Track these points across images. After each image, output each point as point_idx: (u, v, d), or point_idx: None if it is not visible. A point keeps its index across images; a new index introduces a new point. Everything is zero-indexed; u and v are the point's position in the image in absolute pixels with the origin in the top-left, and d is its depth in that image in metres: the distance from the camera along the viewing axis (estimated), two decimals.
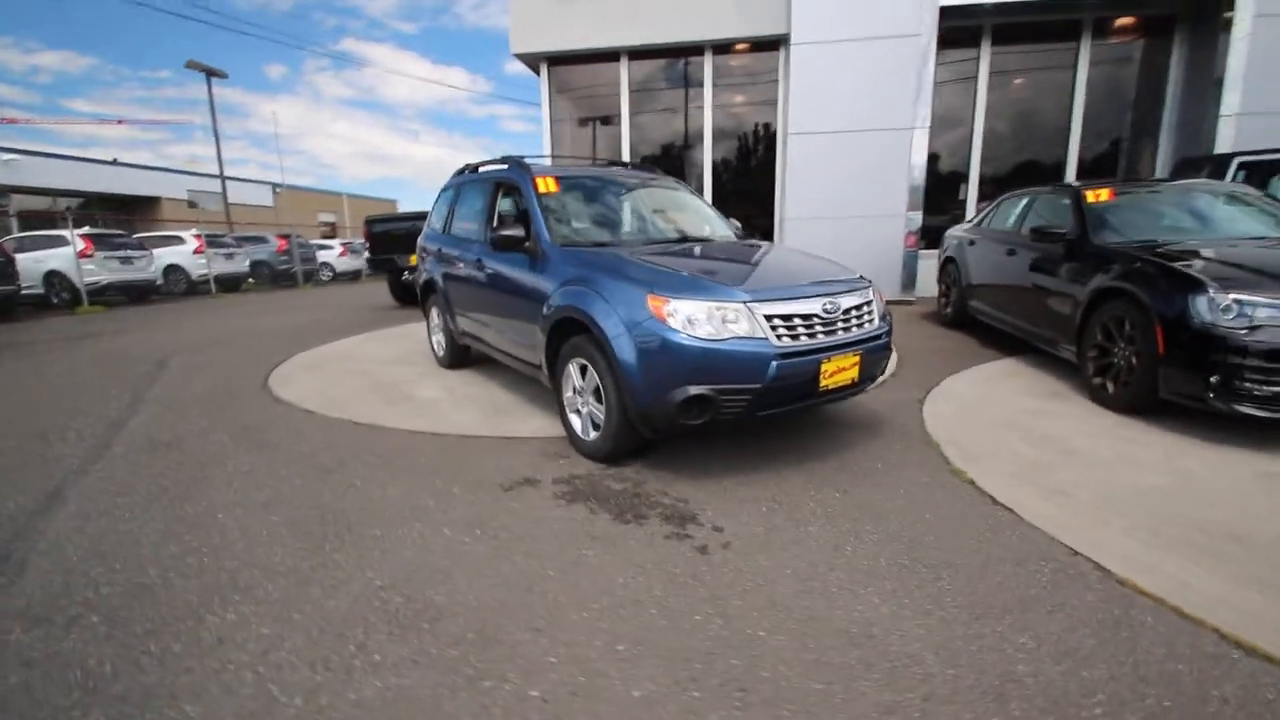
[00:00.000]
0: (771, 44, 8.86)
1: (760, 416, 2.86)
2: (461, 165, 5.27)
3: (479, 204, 4.49)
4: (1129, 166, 8.71)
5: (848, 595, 2.01)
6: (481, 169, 4.90)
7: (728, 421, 2.84)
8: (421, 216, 9.26)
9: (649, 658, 1.72)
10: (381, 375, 5.15)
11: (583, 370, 3.21)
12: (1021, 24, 8.33)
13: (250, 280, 15.83)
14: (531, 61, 9.50)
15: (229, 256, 14.60)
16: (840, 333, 2.96)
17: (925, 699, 1.56)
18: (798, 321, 2.84)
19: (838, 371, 2.92)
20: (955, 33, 8.13)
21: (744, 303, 2.75)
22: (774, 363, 2.70)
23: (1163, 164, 8.38)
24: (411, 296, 9.90)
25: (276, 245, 16.05)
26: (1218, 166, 6.22)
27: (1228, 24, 7.25)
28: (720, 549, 2.31)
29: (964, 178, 8.92)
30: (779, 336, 2.77)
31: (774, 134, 9.19)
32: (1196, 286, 3.30)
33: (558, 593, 2.04)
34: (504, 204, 4.35)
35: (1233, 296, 3.19)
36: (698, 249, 3.73)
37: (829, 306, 2.93)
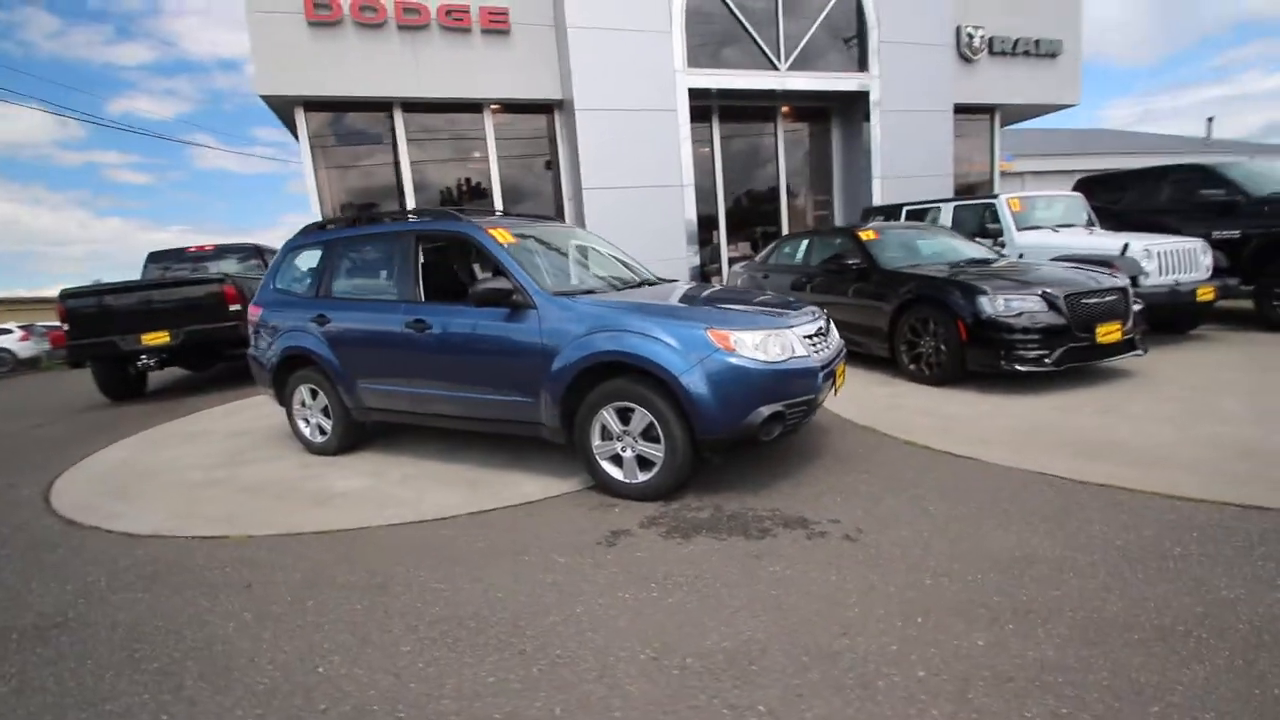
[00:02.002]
0: (547, 107, 9.44)
1: (803, 423, 3.31)
2: (317, 221, 4.57)
3: (395, 261, 4.01)
4: (818, 214, 11.55)
5: (1003, 537, 2.55)
6: (369, 224, 4.36)
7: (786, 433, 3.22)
8: (149, 285, 7.36)
9: (952, 620, 2.02)
10: (248, 479, 4.08)
11: (621, 414, 3.23)
12: (736, 106, 10.49)
13: None
14: (283, 106, 8.35)
15: None
16: (831, 346, 3.61)
17: (1156, 566, 2.20)
18: (815, 340, 3.39)
19: (839, 376, 3.55)
20: (700, 110, 9.81)
21: (788, 328, 3.20)
22: (819, 375, 3.19)
23: (839, 212, 11.34)
24: (133, 390, 7.74)
25: None
26: (892, 213, 8.81)
27: (867, 114, 10.31)
28: (858, 534, 2.68)
29: (715, 222, 10.70)
30: (810, 354, 3.27)
31: (558, 188, 9.73)
32: (981, 292, 4.84)
33: (803, 605, 2.18)
34: (426, 258, 4.00)
35: (1002, 297, 4.79)
36: (683, 290, 4.03)
37: (822, 327, 3.56)
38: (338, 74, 8.14)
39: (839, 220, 11.29)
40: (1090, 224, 7.52)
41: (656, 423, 3.11)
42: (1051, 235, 7.00)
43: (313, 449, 4.51)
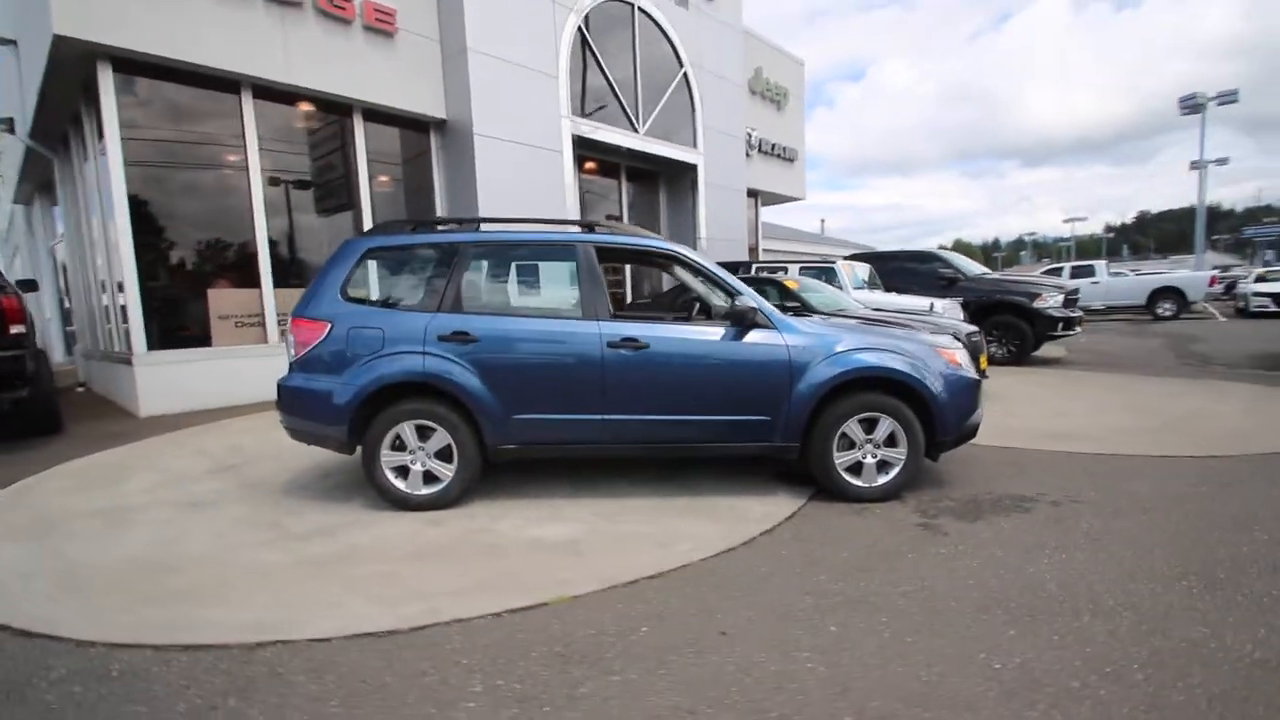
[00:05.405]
0: (424, 126, 8.60)
1: None
2: (409, 221, 3.70)
3: (577, 273, 3.56)
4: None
5: (1161, 487, 3.70)
6: (535, 231, 3.79)
7: None
8: None
9: (1255, 533, 3.00)
10: (377, 548, 3.03)
11: (865, 424, 3.56)
12: (591, 157, 11.06)
13: None
14: (81, 53, 5.91)
15: None
16: None
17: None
18: None
19: None
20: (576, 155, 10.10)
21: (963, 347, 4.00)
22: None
23: None
24: None
25: None
26: (737, 268, 10.37)
27: (694, 183, 11.95)
28: (1080, 502, 3.53)
29: None
30: None
31: (429, 208, 8.84)
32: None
33: (1159, 545, 2.91)
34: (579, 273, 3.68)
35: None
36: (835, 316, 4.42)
37: None
38: (176, 30, 6.20)
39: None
40: (876, 286, 10.17)
41: (902, 429, 3.55)
42: (871, 294, 9.31)
43: (411, 503, 3.51)
